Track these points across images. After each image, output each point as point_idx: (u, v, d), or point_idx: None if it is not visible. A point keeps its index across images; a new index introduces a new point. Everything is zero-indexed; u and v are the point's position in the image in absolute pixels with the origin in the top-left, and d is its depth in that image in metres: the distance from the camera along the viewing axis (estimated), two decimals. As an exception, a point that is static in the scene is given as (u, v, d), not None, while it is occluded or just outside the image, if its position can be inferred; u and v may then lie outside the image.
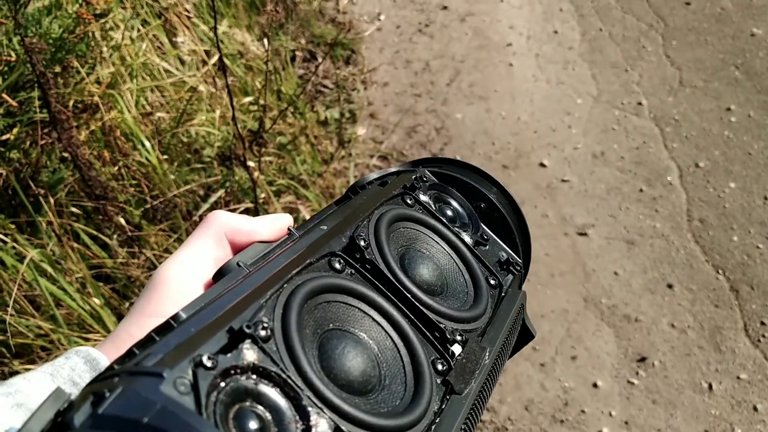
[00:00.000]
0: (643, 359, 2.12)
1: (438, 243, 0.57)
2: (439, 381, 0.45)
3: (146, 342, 0.36)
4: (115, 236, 1.91)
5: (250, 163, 2.08)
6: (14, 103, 1.83)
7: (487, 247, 0.61)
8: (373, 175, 0.61)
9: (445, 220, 0.59)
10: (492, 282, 0.57)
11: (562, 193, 2.68)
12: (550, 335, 2.21)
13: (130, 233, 1.92)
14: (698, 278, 2.33)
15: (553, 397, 2.05)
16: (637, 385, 2.06)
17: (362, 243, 0.49)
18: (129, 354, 0.35)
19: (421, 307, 0.48)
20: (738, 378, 2.06)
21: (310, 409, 0.36)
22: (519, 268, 0.61)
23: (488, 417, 2.02)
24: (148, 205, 2.02)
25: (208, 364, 0.33)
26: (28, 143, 1.92)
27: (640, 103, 3.06)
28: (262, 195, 2.23)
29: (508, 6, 3.78)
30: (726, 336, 2.16)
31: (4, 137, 1.87)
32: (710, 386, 2.04)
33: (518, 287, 0.60)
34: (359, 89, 3.22)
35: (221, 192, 2.17)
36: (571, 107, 3.08)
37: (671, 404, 2.02)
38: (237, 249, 0.50)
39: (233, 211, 2.15)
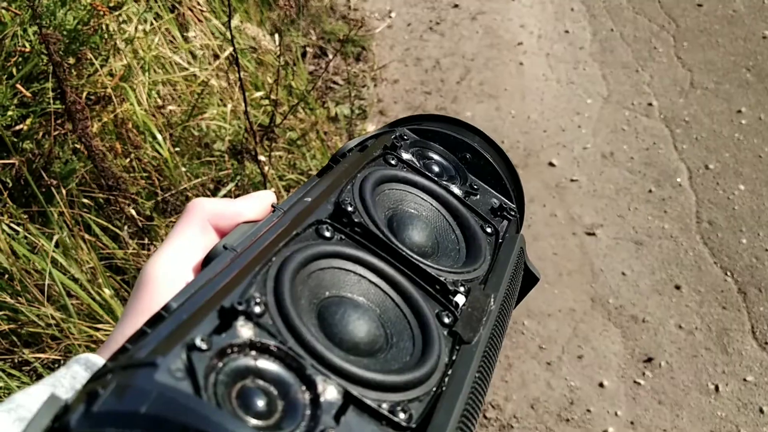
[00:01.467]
0: (649, 360, 2.12)
1: (426, 200, 0.55)
2: (446, 333, 0.44)
3: (138, 336, 0.35)
4: (125, 227, 1.92)
5: (261, 158, 2.09)
6: (28, 94, 1.84)
7: (478, 196, 0.59)
8: (353, 143, 0.59)
9: (431, 176, 0.57)
10: (488, 230, 0.56)
11: (570, 193, 2.67)
12: (556, 334, 2.21)
13: (140, 225, 1.93)
14: (706, 280, 2.33)
15: (558, 395, 2.06)
16: (643, 386, 2.06)
17: (349, 207, 0.48)
18: (122, 350, 0.35)
19: (417, 262, 0.47)
20: (744, 380, 2.05)
21: (315, 377, 0.35)
22: (513, 213, 0.60)
23: (494, 414, 2.02)
24: (159, 198, 2.04)
25: (202, 346, 0.32)
26: (40, 134, 1.94)
27: (650, 104, 3.05)
28: (272, 189, 2.24)
29: (520, 5, 3.77)
30: (733, 338, 2.16)
31: (17, 128, 1.89)
32: (717, 388, 2.04)
33: (516, 232, 0.59)
34: (369, 86, 3.22)
35: (231, 186, 2.18)
36: (581, 107, 3.08)
37: (677, 405, 2.02)
38: (223, 234, 0.49)
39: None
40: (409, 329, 0.43)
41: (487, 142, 0.64)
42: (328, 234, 0.46)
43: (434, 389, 0.40)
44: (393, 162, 0.56)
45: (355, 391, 0.35)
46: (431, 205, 0.55)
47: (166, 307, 0.37)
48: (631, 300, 2.29)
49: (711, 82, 3.13)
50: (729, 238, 2.45)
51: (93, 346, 1.69)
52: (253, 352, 0.34)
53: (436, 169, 0.60)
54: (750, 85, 3.08)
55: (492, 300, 0.48)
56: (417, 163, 0.58)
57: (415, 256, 0.47)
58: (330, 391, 0.35)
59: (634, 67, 3.27)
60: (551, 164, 2.80)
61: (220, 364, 0.33)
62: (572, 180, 2.73)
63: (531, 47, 3.46)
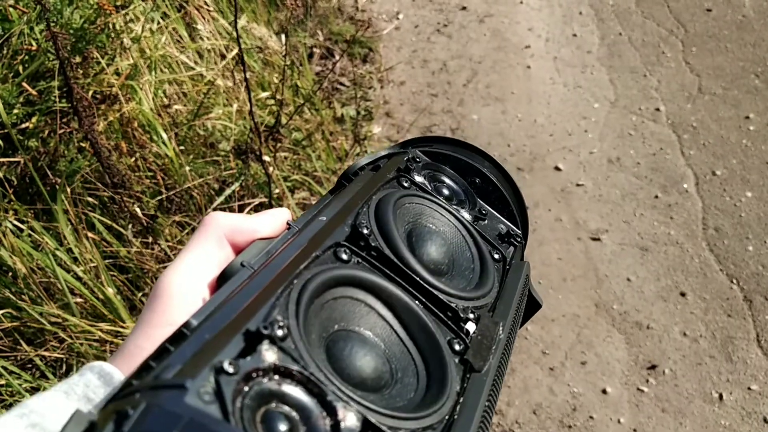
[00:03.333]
0: (653, 367, 2.11)
1: (444, 216, 0.56)
2: (457, 361, 0.45)
3: (161, 353, 0.36)
4: (130, 226, 1.92)
5: (266, 158, 2.08)
6: (34, 92, 1.84)
7: (486, 221, 0.60)
8: (364, 161, 0.60)
9: (442, 199, 0.58)
10: (496, 256, 0.57)
11: (576, 198, 2.66)
12: (560, 340, 2.20)
13: (144, 223, 1.93)
14: (712, 287, 2.32)
15: (561, 401, 2.05)
16: (646, 393, 2.05)
17: (365, 231, 0.49)
18: (146, 367, 0.35)
19: (430, 289, 0.48)
20: (749, 389, 2.04)
21: (336, 403, 0.35)
22: (519, 240, 0.61)
23: (496, 420, 2.01)
24: (164, 196, 2.04)
25: (230, 369, 0.33)
26: (46, 132, 1.94)
27: (657, 109, 3.04)
28: (277, 190, 2.23)
29: (528, 8, 3.76)
30: (738, 346, 2.15)
31: (23, 126, 1.89)
32: (721, 396, 2.03)
33: (521, 258, 0.60)
34: (376, 87, 3.22)
35: (236, 186, 2.17)
36: (588, 111, 3.06)
37: (681, 413, 2.00)
38: (238, 249, 0.50)
39: (247, 205, 2.16)
40: (413, 365, 0.44)
41: (496, 168, 0.65)
42: (345, 257, 0.47)
43: (447, 417, 0.41)
44: (406, 184, 0.57)
45: (373, 417, 0.36)
46: (448, 220, 0.57)
47: (186, 325, 0.37)
48: (636, 306, 2.28)
49: (719, 88, 3.11)
50: (735, 246, 2.44)
51: (95, 344, 1.69)
52: (277, 377, 0.35)
53: (446, 192, 0.61)
54: (758, 91, 3.07)
55: (501, 328, 0.49)
56: (428, 185, 0.59)
57: (430, 279, 0.48)
58: (350, 418, 0.35)
59: (641, 72, 3.26)
60: (557, 168, 2.79)
61: (246, 388, 0.33)
62: (578, 185, 2.72)
63: (538, 50, 3.45)
